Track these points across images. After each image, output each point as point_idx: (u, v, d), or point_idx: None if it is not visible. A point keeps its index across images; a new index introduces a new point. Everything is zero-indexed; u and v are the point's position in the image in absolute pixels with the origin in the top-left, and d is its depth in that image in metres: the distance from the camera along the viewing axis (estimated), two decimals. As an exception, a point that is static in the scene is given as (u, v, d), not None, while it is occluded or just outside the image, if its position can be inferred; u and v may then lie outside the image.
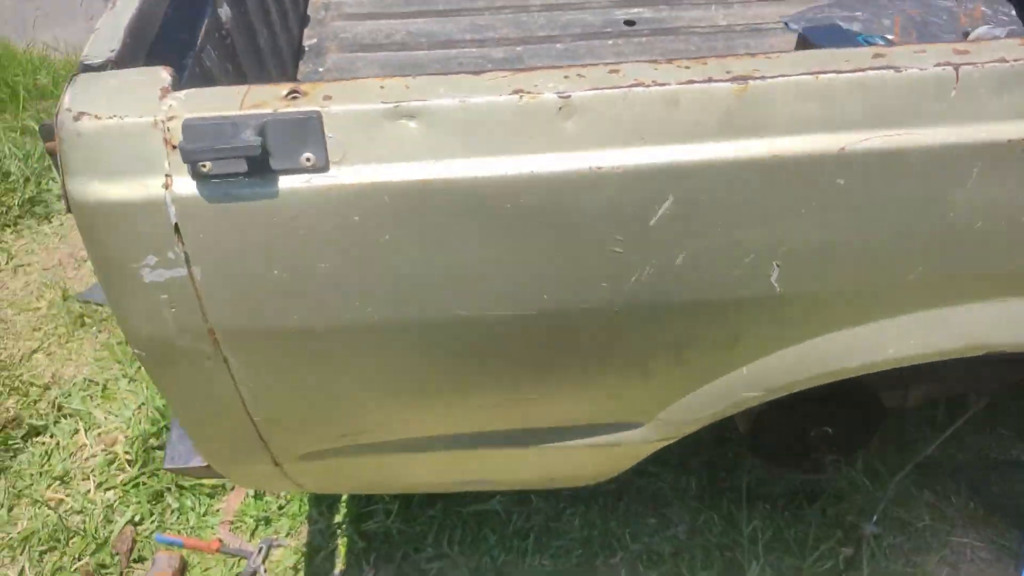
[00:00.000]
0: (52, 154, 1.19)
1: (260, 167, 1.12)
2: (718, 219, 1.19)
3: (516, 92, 1.13)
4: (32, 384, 2.99)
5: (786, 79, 1.13)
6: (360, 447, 1.51)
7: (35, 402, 2.94)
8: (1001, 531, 2.36)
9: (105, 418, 2.86)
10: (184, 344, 1.26)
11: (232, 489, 2.65)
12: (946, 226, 1.23)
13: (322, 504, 2.58)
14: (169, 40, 1.40)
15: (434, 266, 1.21)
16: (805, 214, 1.19)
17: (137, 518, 2.58)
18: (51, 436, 2.83)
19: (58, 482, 2.71)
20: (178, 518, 2.59)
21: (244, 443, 1.45)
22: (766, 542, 2.35)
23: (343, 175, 1.14)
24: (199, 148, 1.09)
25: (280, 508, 2.58)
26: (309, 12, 2.40)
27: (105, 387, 2.96)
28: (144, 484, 2.66)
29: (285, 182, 1.13)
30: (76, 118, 1.12)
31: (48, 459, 2.77)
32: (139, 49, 1.29)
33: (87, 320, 3.19)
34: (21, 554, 2.51)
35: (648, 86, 1.13)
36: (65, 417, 2.89)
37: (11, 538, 2.55)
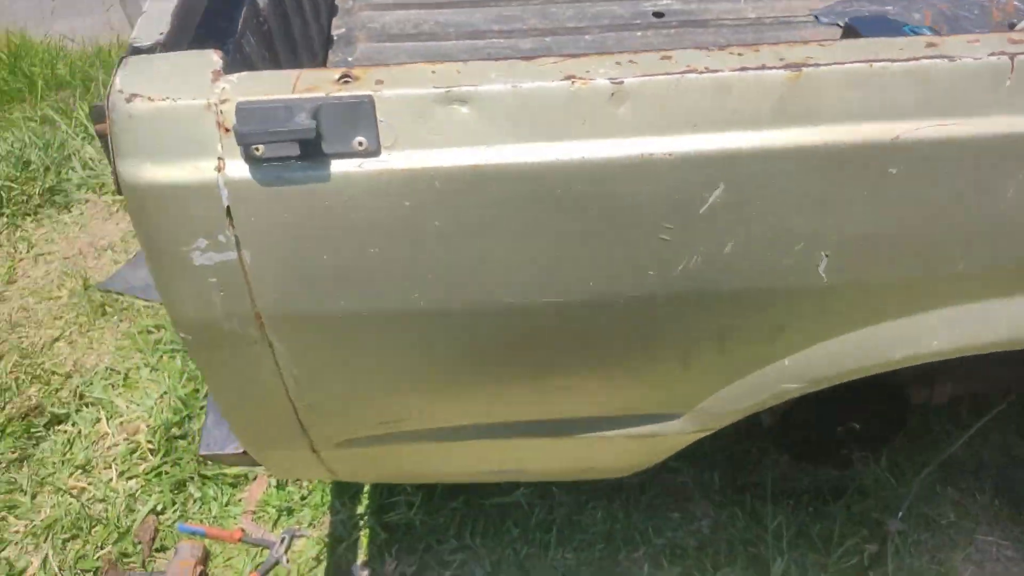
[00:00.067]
0: (102, 136, 1.19)
1: (312, 151, 1.12)
2: (768, 207, 1.18)
3: (568, 78, 1.13)
4: (54, 373, 3.00)
5: (840, 67, 1.12)
6: (398, 435, 1.51)
7: (57, 391, 2.95)
8: (1027, 529, 2.36)
9: (127, 407, 2.87)
10: (230, 328, 1.26)
11: (254, 479, 2.65)
12: (996, 217, 1.22)
13: (344, 495, 2.58)
14: (211, 25, 1.40)
15: (482, 252, 1.21)
16: (856, 203, 1.19)
17: (159, 507, 2.59)
18: (73, 424, 2.84)
19: (80, 470, 2.71)
20: (200, 508, 2.60)
21: (283, 429, 1.45)
22: (790, 538, 2.35)
23: (394, 160, 1.14)
24: (253, 131, 1.08)
25: (303, 499, 2.59)
26: (337, 2, 2.40)
27: (127, 376, 2.97)
28: (166, 473, 2.66)
29: (337, 166, 1.13)
30: (128, 100, 1.12)
31: (70, 447, 2.78)
32: (186, 33, 1.29)
33: (108, 309, 3.20)
34: (44, 541, 2.52)
35: (700, 73, 1.12)
36: (87, 406, 2.90)
37: (34, 525, 2.55)
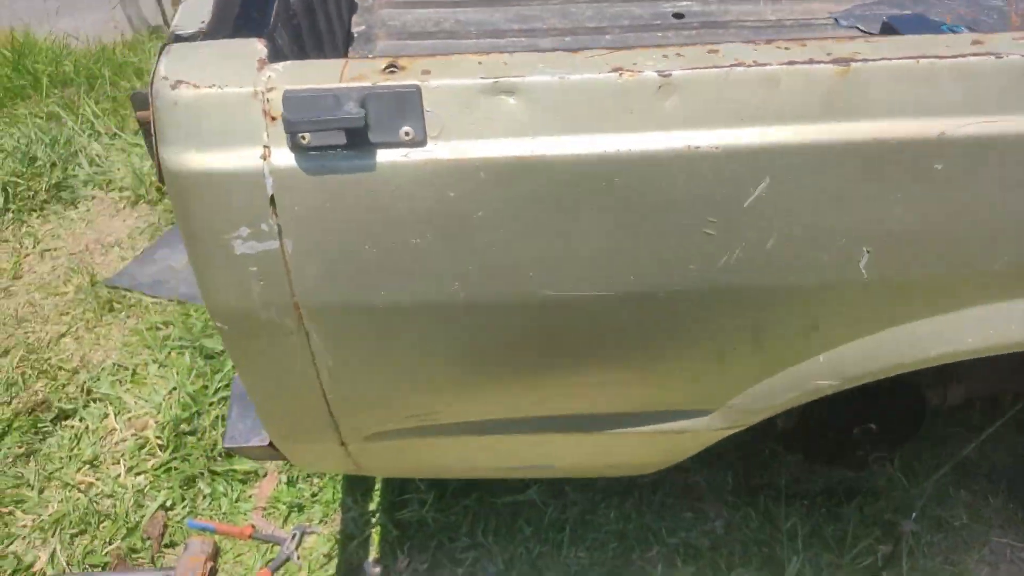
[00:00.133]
0: (143, 123, 1.19)
1: (359, 140, 1.11)
2: (812, 202, 1.19)
3: (616, 70, 1.13)
4: (61, 368, 2.98)
5: (888, 62, 1.13)
6: (427, 428, 1.50)
7: (64, 386, 2.93)
8: (1041, 533, 2.37)
9: (135, 403, 2.85)
10: (268, 318, 1.25)
11: (265, 475, 2.64)
12: (1038, 215, 1.23)
13: (356, 492, 2.57)
14: (248, 18, 1.39)
15: (525, 244, 1.20)
16: (900, 199, 1.19)
17: (168, 503, 2.57)
18: (80, 420, 2.82)
19: (88, 466, 2.70)
20: (210, 504, 2.58)
21: (314, 421, 1.45)
22: (804, 538, 2.35)
23: (440, 150, 1.13)
24: (302, 119, 1.08)
25: (313, 495, 2.58)
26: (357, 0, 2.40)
27: (135, 372, 2.96)
28: (176, 469, 2.65)
29: (383, 156, 1.13)
30: (174, 87, 1.11)
31: (78, 443, 2.76)
32: (226, 23, 1.28)
33: (116, 305, 3.18)
34: (52, 536, 2.50)
35: (749, 66, 1.12)
36: (94, 401, 2.88)
37: (42, 520, 2.53)
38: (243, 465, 2.64)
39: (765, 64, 1.12)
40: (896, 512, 2.40)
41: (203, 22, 1.22)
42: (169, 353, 3.00)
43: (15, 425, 2.78)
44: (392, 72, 1.13)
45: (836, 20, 2.23)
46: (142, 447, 2.73)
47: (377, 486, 2.59)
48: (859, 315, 1.33)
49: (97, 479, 2.66)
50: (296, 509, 2.54)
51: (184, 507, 2.57)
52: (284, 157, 1.12)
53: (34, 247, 3.45)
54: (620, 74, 1.12)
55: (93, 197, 3.70)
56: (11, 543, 2.48)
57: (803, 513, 2.41)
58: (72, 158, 3.82)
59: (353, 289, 1.23)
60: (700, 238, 1.21)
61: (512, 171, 1.15)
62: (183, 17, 1.24)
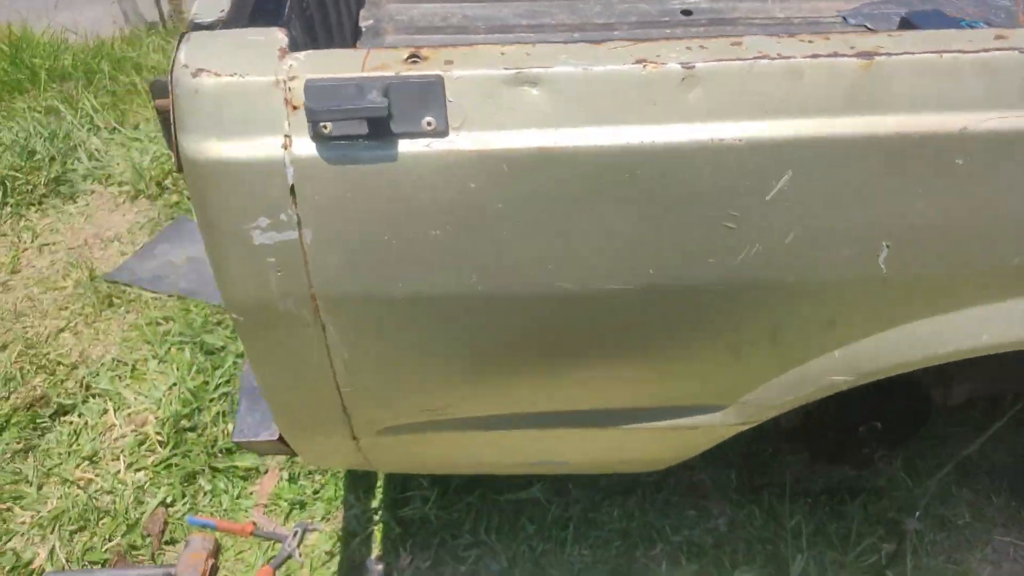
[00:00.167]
0: (162, 111, 1.18)
1: (381, 130, 1.11)
2: (834, 196, 1.18)
3: (639, 61, 1.12)
4: (59, 363, 2.96)
5: (911, 56, 1.12)
6: (440, 423, 1.49)
7: (62, 381, 2.91)
8: (1044, 531, 2.37)
9: (135, 399, 2.83)
10: (284, 309, 1.24)
11: (266, 472, 2.63)
12: (1057, 211, 1.23)
13: (358, 489, 2.56)
14: (263, 10, 1.39)
15: (545, 237, 1.20)
16: (921, 194, 1.19)
17: (169, 500, 2.56)
18: (79, 416, 2.80)
19: (87, 462, 2.68)
20: (211, 500, 2.57)
21: (327, 414, 1.44)
22: (808, 536, 2.35)
23: (462, 141, 1.13)
24: (324, 108, 1.07)
25: (315, 492, 2.56)
26: (363, -7, 2.39)
27: (134, 368, 2.94)
28: (176, 466, 2.63)
29: (404, 146, 1.12)
30: (194, 74, 1.10)
31: (76, 438, 2.74)
32: (243, 13, 1.28)
33: (115, 300, 3.16)
34: (51, 533, 2.48)
35: (773, 59, 1.12)
36: (93, 397, 2.86)
37: (41, 516, 2.51)
38: (244, 462, 2.63)
39: (789, 57, 1.12)
40: (899, 510, 2.40)
41: (222, 11, 1.21)
42: (169, 349, 2.98)
43: (13, 420, 2.76)
44: (414, 62, 1.13)
45: (844, 18, 2.23)
46: (142, 443, 2.71)
47: (379, 483, 2.58)
48: (877, 310, 1.33)
49: (96, 475, 2.64)
50: (298, 506, 2.53)
51: (184, 504, 2.55)
52: (305, 146, 1.11)
53: (32, 241, 3.43)
54: (644, 66, 1.12)
55: (92, 192, 3.68)
56: (9, 540, 2.46)
57: (806, 511, 2.41)
58: (71, 152, 3.80)
59: (371, 280, 1.22)
60: (721, 232, 1.21)
61: (534, 162, 1.14)
62: (202, 5, 1.23)
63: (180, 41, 1.15)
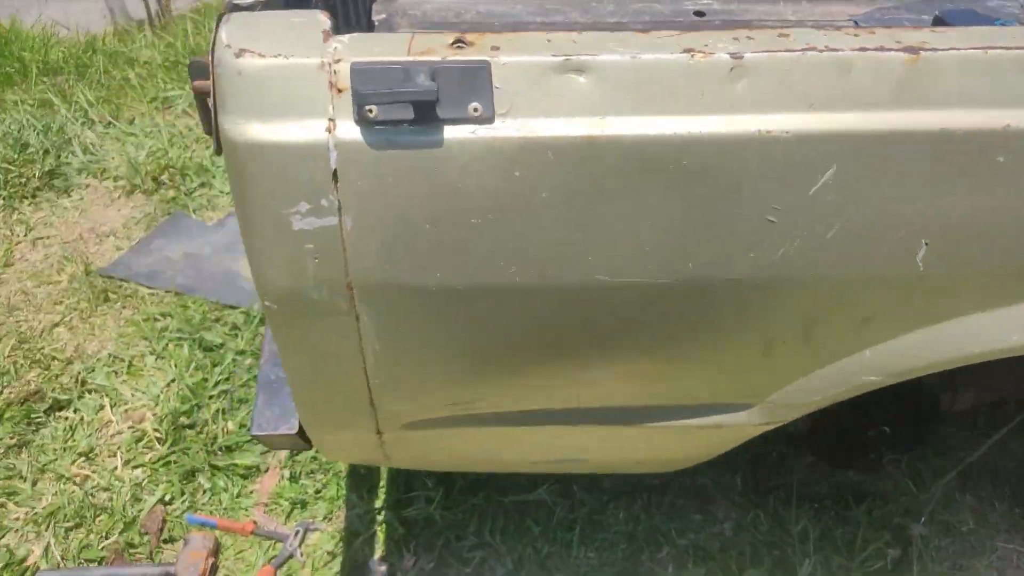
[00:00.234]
0: (200, 93, 1.16)
1: (427, 115, 1.09)
2: (877, 192, 1.18)
3: (687, 51, 1.12)
4: (54, 358, 2.91)
5: (957, 52, 1.12)
6: (464, 418, 1.47)
7: (57, 376, 2.87)
8: (1047, 539, 2.38)
9: (132, 395, 2.79)
10: (319, 297, 1.22)
11: (267, 471, 2.60)
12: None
13: (361, 488, 2.53)
14: None
15: (587, 227, 1.19)
16: (962, 190, 1.19)
17: (167, 498, 2.52)
18: (75, 411, 2.76)
19: (83, 458, 2.63)
20: (210, 499, 2.53)
21: (353, 407, 1.41)
22: (815, 541, 2.35)
23: (507, 128, 1.12)
24: (372, 92, 1.06)
25: (317, 492, 2.53)
26: (375, -13, 2.37)
27: (131, 364, 2.90)
28: (175, 463, 2.59)
29: (450, 132, 1.11)
30: (237, 55, 1.08)
31: (72, 434, 2.70)
32: (273, -4, 1.26)
33: (111, 296, 3.12)
34: (46, 530, 2.44)
35: (821, 51, 1.12)
36: (89, 392, 2.82)
37: (36, 513, 2.47)
38: (245, 460, 2.59)
39: (838, 49, 1.12)
40: (905, 516, 2.40)
41: (260, -7, 1.20)
42: (167, 345, 2.94)
43: (7, 415, 2.71)
44: (460, 47, 1.11)
45: (855, 23, 2.24)
46: (139, 440, 2.67)
47: (382, 483, 2.55)
48: (910, 309, 1.33)
49: (93, 472, 2.59)
50: (299, 505, 2.50)
51: (183, 502, 2.52)
52: (349, 130, 1.10)
53: (26, 235, 3.38)
54: (692, 55, 1.11)
55: (87, 186, 3.63)
56: (3, 536, 2.42)
57: (812, 516, 2.41)
58: (65, 146, 3.74)
59: (409, 269, 1.20)
60: (763, 225, 1.20)
61: (580, 150, 1.13)
62: (239, -13, 1.21)
63: (219, 22, 1.14)
